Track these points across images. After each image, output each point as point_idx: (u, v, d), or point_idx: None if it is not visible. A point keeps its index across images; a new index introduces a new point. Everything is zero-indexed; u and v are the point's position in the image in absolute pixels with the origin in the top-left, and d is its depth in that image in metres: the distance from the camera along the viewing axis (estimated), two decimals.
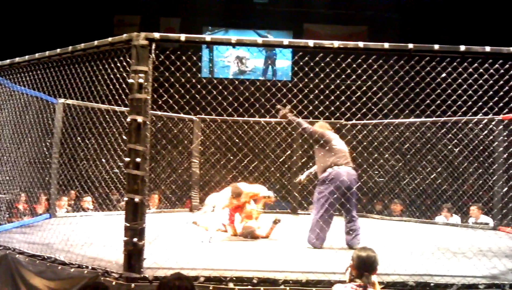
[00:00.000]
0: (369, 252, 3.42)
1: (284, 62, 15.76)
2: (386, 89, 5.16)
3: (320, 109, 5.59)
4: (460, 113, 4.82)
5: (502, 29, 11.93)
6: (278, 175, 8.21)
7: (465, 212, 8.39)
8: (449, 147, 7.10)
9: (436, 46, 4.11)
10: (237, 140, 6.89)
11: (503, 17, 12.55)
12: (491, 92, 4.59)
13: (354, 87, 5.16)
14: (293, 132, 8.61)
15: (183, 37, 4.09)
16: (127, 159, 3.99)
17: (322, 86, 5.30)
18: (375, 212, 9.21)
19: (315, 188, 5.64)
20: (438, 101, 4.84)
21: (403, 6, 14.74)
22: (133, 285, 3.82)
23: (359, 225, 5.59)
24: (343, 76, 4.88)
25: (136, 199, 3.91)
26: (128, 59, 4.19)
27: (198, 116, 8.68)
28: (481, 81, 4.52)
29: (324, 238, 5.44)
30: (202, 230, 6.32)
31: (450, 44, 4.18)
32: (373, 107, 5.22)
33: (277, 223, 6.29)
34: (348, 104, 5.23)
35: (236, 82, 5.41)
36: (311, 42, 4.14)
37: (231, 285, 3.83)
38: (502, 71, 4.37)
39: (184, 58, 4.65)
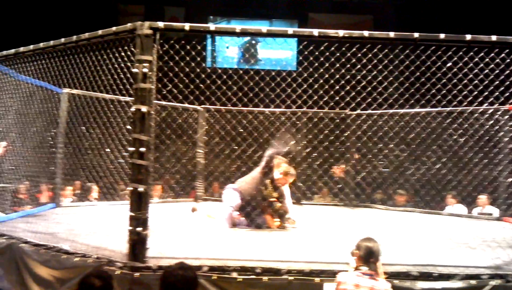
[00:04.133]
0: (374, 242, 3.46)
1: (288, 52, 15.67)
2: (391, 78, 5.13)
3: (325, 99, 5.58)
4: (465, 103, 4.80)
5: (509, 18, 11.82)
6: None
7: (469, 202, 8.36)
8: (455, 137, 7.08)
9: (442, 35, 4.08)
10: (241, 130, 6.89)
11: (510, 6, 12.44)
12: (497, 82, 4.56)
13: (359, 77, 5.14)
14: (298, 122, 8.58)
15: (187, 26, 4.06)
16: (131, 149, 3.99)
17: (327, 76, 5.28)
18: (379, 202, 9.19)
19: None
20: (444, 91, 4.81)
21: None
22: (136, 274, 3.84)
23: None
24: (348, 66, 4.86)
25: (140, 189, 3.92)
26: (132, 49, 4.18)
27: (202, 106, 8.66)
28: (487, 71, 4.48)
29: None
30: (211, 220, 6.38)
31: (456, 33, 4.14)
32: (378, 96, 5.20)
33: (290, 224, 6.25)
34: (353, 93, 5.21)
35: (241, 71, 5.38)
36: (316, 32, 4.10)
37: (234, 274, 3.83)
38: (508, 60, 4.33)
39: (188, 47, 4.63)
